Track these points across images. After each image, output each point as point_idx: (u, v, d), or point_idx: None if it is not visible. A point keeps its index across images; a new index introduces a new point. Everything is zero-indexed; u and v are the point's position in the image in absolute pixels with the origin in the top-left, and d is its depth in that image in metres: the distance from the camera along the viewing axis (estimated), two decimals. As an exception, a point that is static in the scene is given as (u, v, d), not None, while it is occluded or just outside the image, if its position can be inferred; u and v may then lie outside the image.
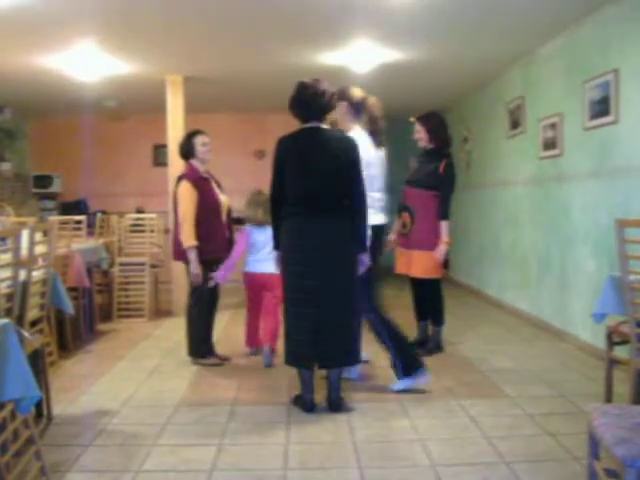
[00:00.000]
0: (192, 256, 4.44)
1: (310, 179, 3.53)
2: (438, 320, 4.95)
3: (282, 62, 6.21)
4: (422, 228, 4.69)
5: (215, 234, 4.60)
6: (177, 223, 4.58)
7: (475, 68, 6.72)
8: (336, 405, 3.63)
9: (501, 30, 5.30)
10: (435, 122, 4.89)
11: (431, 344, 4.93)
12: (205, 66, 6.54)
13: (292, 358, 3.63)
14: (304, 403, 3.64)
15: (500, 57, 6.27)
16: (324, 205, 3.54)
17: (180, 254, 4.58)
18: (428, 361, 4.67)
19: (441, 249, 4.64)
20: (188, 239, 4.43)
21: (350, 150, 3.57)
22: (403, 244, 4.82)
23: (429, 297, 4.92)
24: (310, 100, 3.55)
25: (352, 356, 3.67)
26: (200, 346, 4.67)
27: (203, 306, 4.65)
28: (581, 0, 4.57)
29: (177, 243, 4.59)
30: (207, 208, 4.55)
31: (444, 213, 4.68)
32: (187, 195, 4.49)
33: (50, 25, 4.91)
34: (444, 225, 4.67)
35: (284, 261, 3.63)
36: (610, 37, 4.59)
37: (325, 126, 3.64)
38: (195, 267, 4.46)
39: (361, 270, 3.66)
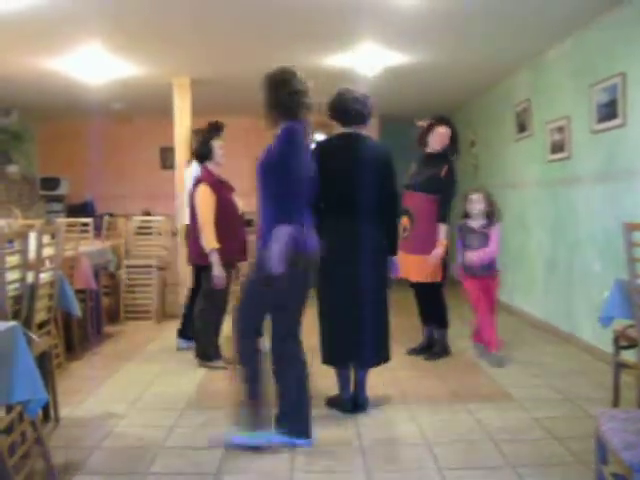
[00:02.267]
0: (215, 259, 4.40)
1: (348, 184, 3.56)
2: (442, 323, 4.93)
3: (288, 65, 6.20)
4: (422, 232, 4.68)
5: (234, 236, 4.60)
6: (195, 227, 4.56)
7: (481, 72, 6.70)
8: (364, 404, 3.68)
9: (508, 34, 5.28)
10: (455, 128, 4.90)
11: (437, 348, 4.91)
12: (212, 69, 6.55)
13: (330, 357, 3.65)
14: (343, 403, 3.66)
15: (507, 61, 6.25)
16: (360, 209, 3.57)
17: (197, 257, 4.56)
18: (435, 364, 4.70)
19: (437, 252, 4.64)
20: (210, 242, 4.40)
21: (385, 156, 3.64)
22: (403, 248, 4.79)
23: (431, 301, 4.90)
24: (353, 105, 3.62)
25: (387, 354, 3.73)
26: (209, 349, 4.68)
27: (215, 309, 4.67)
28: (588, 4, 4.56)
29: (195, 247, 4.58)
30: (226, 211, 4.54)
31: (443, 216, 4.68)
32: (206, 199, 4.48)
33: (57, 28, 4.93)
34: (442, 227, 4.66)
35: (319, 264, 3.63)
36: (617, 41, 4.57)
37: (364, 133, 3.70)
38: (219, 270, 4.44)
39: (393, 273, 3.74)
